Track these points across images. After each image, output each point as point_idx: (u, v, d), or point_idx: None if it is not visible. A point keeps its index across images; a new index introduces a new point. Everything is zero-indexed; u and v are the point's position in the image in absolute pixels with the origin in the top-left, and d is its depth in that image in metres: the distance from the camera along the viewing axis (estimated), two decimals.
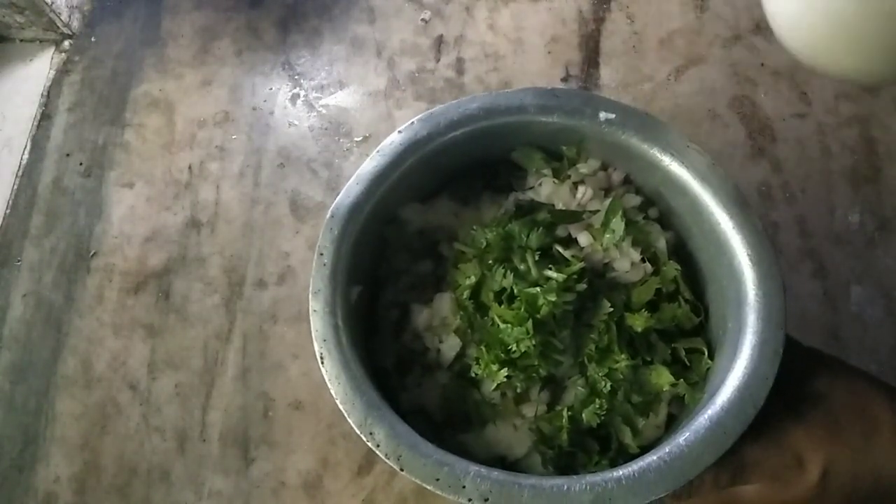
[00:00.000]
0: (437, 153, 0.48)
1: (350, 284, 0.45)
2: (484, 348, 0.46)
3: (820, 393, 0.42)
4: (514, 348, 0.45)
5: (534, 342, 0.45)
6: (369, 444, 0.39)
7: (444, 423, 0.47)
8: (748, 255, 0.45)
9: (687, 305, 0.49)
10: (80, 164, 0.70)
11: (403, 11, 0.73)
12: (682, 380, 0.47)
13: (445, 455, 0.40)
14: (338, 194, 0.46)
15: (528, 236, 0.48)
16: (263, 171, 0.67)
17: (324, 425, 0.57)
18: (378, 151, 0.46)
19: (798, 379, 0.42)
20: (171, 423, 0.58)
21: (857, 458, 0.39)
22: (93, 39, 0.76)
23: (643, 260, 0.49)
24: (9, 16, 0.73)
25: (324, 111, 0.70)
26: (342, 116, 0.69)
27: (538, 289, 0.46)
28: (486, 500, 0.38)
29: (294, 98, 0.71)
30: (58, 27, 0.75)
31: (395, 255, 0.51)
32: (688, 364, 0.48)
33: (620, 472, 0.39)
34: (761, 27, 0.68)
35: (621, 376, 0.46)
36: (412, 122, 0.47)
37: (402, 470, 0.39)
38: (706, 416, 0.40)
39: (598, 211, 0.50)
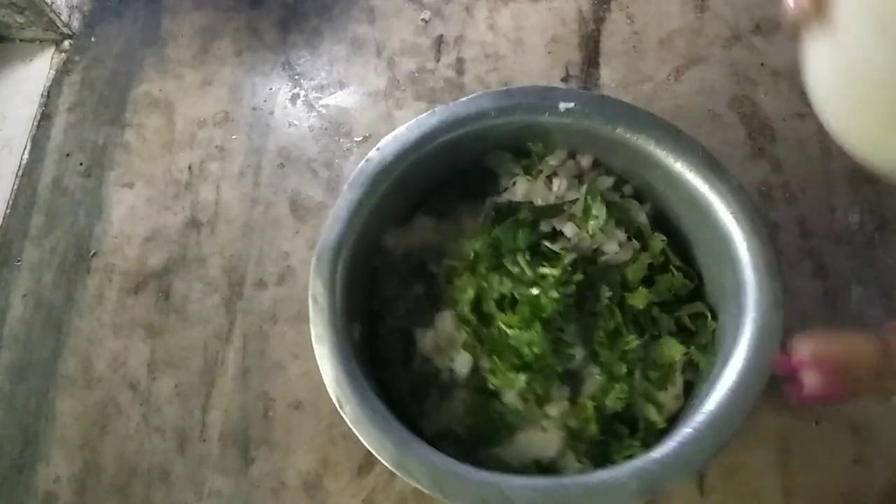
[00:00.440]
0: (406, 175, 0.48)
1: (350, 323, 0.45)
2: (497, 358, 0.47)
3: None
4: (527, 352, 0.45)
5: (545, 342, 0.45)
6: (409, 481, 0.39)
7: (472, 440, 0.47)
8: (731, 213, 0.45)
9: (679, 273, 0.50)
10: (80, 164, 0.70)
11: (403, 11, 0.73)
12: (691, 346, 0.48)
13: (486, 474, 0.40)
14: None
15: (514, 238, 0.49)
16: (263, 171, 0.67)
17: (324, 425, 0.57)
18: (349, 185, 0.46)
19: None
20: (171, 423, 0.58)
21: None
22: (93, 39, 0.76)
23: (629, 238, 0.51)
24: (9, 16, 0.73)
25: (324, 111, 0.69)
26: (342, 116, 0.69)
27: (538, 289, 0.46)
28: None
29: (294, 98, 0.71)
30: (58, 27, 0.75)
31: (387, 284, 0.51)
32: (693, 329, 0.49)
33: (658, 453, 0.40)
34: (761, 27, 0.68)
35: (634, 356, 0.47)
36: (377, 149, 0.47)
37: (448, 500, 0.39)
38: (727, 378, 0.41)
39: (576, 199, 0.50)
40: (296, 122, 0.69)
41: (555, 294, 0.46)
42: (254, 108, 0.70)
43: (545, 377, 0.46)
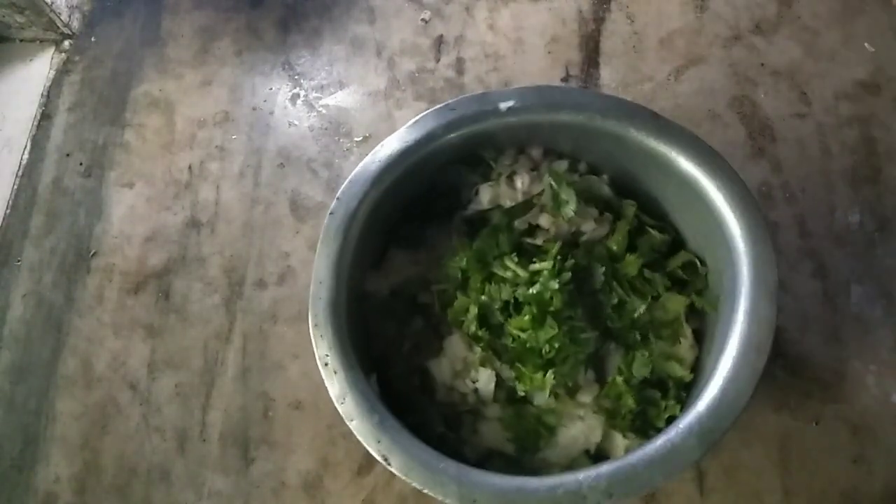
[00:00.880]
0: (372, 215, 0.48)
1: (367, 377, 0.44)
2: (519, 364, 0.47)
3: None
4: (547, 349, 0.45)
5: (561, 334, 0.45)
6: None
7: (518, 452, 0.47)
8: (687, 156, 0.46)
9: (655, 231, 0.51)
10: (80, 164, 0.70)
11: (403, 11, 0.73)
12: (691, 295, 0.49)
13: (550, 479, 0.39)
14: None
15: (497, 245, 0.49)
16: (263, 171, 0.67)
17: (324, 425, 0.57)
18: (322, 241, 0.46)
19: None
20: (171, 423, 0.58)
21: None
22: (93, 39, 0.76)
23: (601, 213, 0.51)
24: (9, 16, 0.73)
25: (324, 111, 0.70)
26: (342, 116, 0.69)
27: (538, 285, 0.46)
28: (612, 495, 0.38)
29: (294, 98, 0.71)
30: (58, 27, 0.75)
31: (384, 327, 0.51)
32: (686, 279, 0.50)
33: (703, 404, 0.40)
34: (761, 27, 0.68)
35: (643, 320, 0.48)
36: (337, 199, 0.47)
37: None
38: (737, 332, 0.42)
39: (542, 191, 0.51)
40: (296, 122, 0.69)
41: (554, 285, 0.46)
42: (254, 108, 0.70)
43: (570, 368, 0.46)
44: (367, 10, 0.74)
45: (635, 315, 0.48)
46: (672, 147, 0.47)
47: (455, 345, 0.49)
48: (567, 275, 0.47)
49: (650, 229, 0.51)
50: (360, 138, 0.68)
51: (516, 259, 0.48)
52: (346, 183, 0.47)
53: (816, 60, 0.66)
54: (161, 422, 0.59)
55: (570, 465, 0.46)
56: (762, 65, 0.66)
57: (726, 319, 0.44)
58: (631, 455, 0.39)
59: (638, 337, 0.48)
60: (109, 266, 0.65)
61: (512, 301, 0.47)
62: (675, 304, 0.49)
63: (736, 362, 0.41)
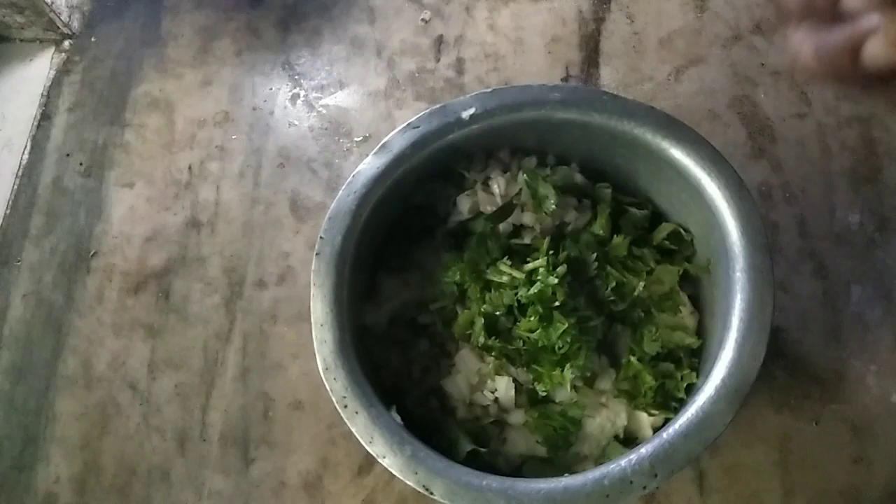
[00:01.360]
0: (357, 249, 0.47)
1: (389, 412, 0.43)
2: (535, 365, 0.47)
3: None
4: (560, 345, 0.45)
5: (571, 326, 0.45)
6: None
7: (551, 451, 0.47)
8: (652, 129, 0.47)
9: (634, 208, 0.52)
10: (80, 164, 0.70)
11: (403, 11, 0.73)
12: (683, 263, 0.50)
13: (594, 472, 0.39)
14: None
15: (487, 252, 0.49)
16: (263, 171, 0.67)
17: (324, 425, 0.57)
18: (316, 284, 0.45)
19: None
20: (171, 423, 0.58)
21: None
22: (93, 39, 0.76)
23: (579, 200, 0.52)
24: (9, 16, 0.73)
25: (324, 111, 0.70)
26: (342, 116, 0.69)
27: (537, 284, 0.46)
28: (656, 475, 0.38)
29: (294, 98, 0.71)
30: (58, 27, 0.75)
31: (390, 357, 0.50)
32: (674, 248, 0.51)
33: (716, 381, 0.40)
34: (761, 27, 0.68)
35: (643, 296, 0.49)
36: (321, 237, 0.46)
37: None
38: (739, 290, 0.42)
39: (519, 190, 0.51)
40: (296, 122, 0.69)
41: (553, 280, 0.46)
42: (254, 108, 0.70)
43: (585, 358, 0.46)
44: (367, 10, 0.74)
45: (635, 293, 0.48)
46: (636, 123, 0.47)
47: (466, 359, 0.49)
48: (563, 267, 0.47)
49: (629, 207, 0.52)
50: (360, 138, 0.68)
51: (509, 262, 0.48)
52: (325, 220, 0.47)
53: None
54: (161, 422, 0.59)
55: (603, 454, 0.47)
56: (762, 65, 0.66)
57: (723, 279, 0.44)
58: (666, 432, 0.40)
59: (641, 314, 0.49)
60: (109, 266, 0.65)
61: (515, 304, 0.47)
62: (669, 274, 0.50)
63: (744, 320, 0.41)
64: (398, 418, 0.43)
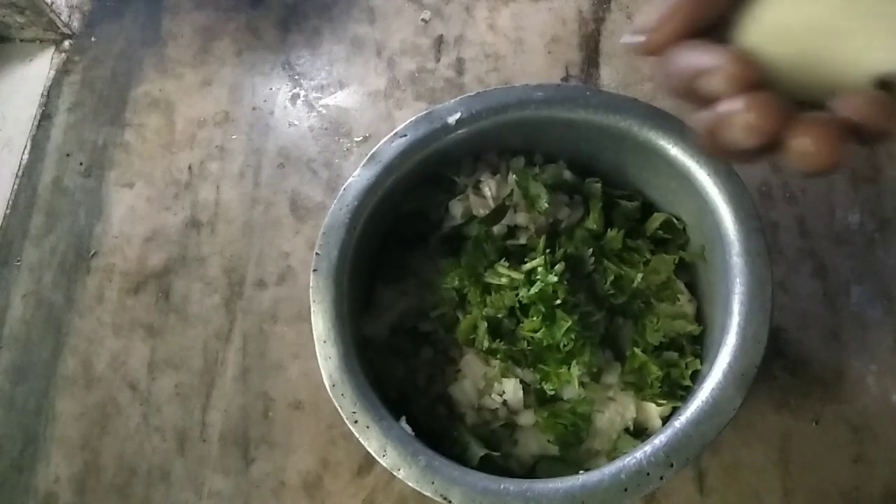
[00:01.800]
0: (353, 261, 0.47)
1: (398, 421, 0.43)
2: (542, 365, 0.47)
3: None
4: (565, 343, 0.45)
5: (574, 323, 0.45)
6: None
7: (562, 449, 0.47)
8: (638, 121, 0.47)
9: (625, 200, 0.52)
10: (80, 164, 0.70)
11: (403, 11, 0.73)
12: (677, 251, 0.50)
13: (609, 466, 0.39)
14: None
15: (484, 255, 0.49)
16: (263, 171, 0.67)
17: (324, 425, 0.57)
18: (315, 301, 0.45)
19: None
20: (171, 423, 0.58)
21: None
22: (93, 39, 0.76)
23: (571, 197, 0.52)
24: (9, 16, 0.73)
25: (324, 111, 0.70)
26: (342, 116, 0.69)
27: (537, 284, 0.46)
28: (672, 465, 0.38)
29: (294, 98, 0.71)
30: (58, 27, 0.75)
31: (394, 368, 0.50)
32: (668, 237, 0.51)
33: (722, 366, 0.41)
34: None
35: (642, 288, 0.49)
36: (317, 254, 0.46)
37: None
38: (737, 274, 0.42)
39: (511, 191, 0.51)
40: (296, 122, 0.69)
41: (553, 278, 0.46)
42: (254, 108, 0.70)
43: (590, 354, 0.46)
44: (367, 10, 0.74)
45: (633, 285, 0.48)
46: (621, 116, 0.47)
47: (472, 364, 0.49)
48: (561, 265, 0.47)
49: (620, 200, 0.52)
50: (360, 138, 0.68)
51: (507, 264, 0.48)
52: (320, 236, 0.46)
53: None
54: (161, 422, 0.59)
55: (615, 448, 0.47)
56: None
57: (720, 265, 0.44)
58: (678, 420, 0.40)
59: (641, 305, 0.49)
60: (109, 266, 0.65)
61: (516, 305, 0.48)
62: (665, 264, 0.50)
63: (745, 303, 0.41)
64: (409, 429, 0.43)
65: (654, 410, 0.47)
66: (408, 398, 0.50)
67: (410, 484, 0.40)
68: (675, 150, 0.46)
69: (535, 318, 0.46)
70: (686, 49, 0.29)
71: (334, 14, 0.74)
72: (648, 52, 0.30)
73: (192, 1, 0.77)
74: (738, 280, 0.42)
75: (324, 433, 0.57)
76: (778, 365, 0.55)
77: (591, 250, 0.49)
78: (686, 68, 0.28)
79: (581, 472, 0.40)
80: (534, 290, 0.46)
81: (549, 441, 0.47)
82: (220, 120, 0.70)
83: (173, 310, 0.62)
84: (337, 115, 0.69)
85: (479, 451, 0.46)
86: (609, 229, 0.50)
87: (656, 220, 0.51)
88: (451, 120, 0.48)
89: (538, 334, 0.46)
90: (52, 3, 0.73)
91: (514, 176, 0.51)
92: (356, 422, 0.42)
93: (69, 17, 0.76)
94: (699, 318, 0.50)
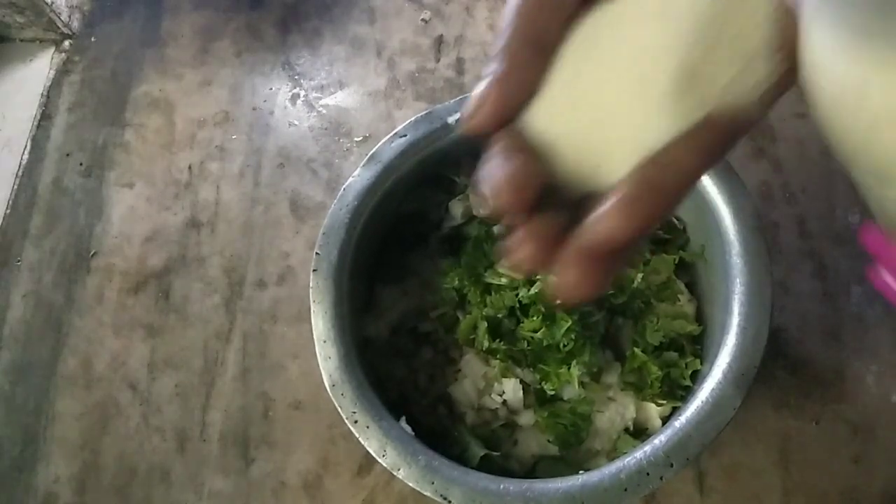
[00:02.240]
0: (353, 262, 0.47)
1: (398, 421, 0.43)
2: (542, 365, 0.47)
3: None
4: (565, 343, 0.45)
5: (574, 323, 0.45)
6: None
7: (562, 449, 0.47)
8: None
9: None
10: (80, 164, 0.70)
11: (403, 11, 0.73)
12: (677, 251, 0.50)
13: (609, 466, 0.39)
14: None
15: (484, 255, 0.49)
16: (263, 171, 0.67)
17: (324, 425, 0.57)
18: (313, 300, 0.45)
19: None
20: (171, 423, 0.58)
21: None
22: (93, 39, 0.76)
23: None
24: (9, 16, 0.73)
25: (324, 111, 0.70)
26: (342, 116, 0.69)
27: (538, 283, 0.46)
28: (672, 464, 0.38)
29: (294, 98, 0.71)
30: (58, 27, 0.75)
31: (394, 368, 0.50)
32: (667, 237, 0.51)
33: (723, 366, 0.41)
34: None
35: (642, 288, 0.48)
36: (317, 254, 0.46)
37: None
38: (737, 274, 0.42)
39: None
40: (296, 122, 0.69)
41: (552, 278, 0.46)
42: (254, 108, 0.70)
43: (590, 354, 0.46)
44: (367, 10, 0.74)
45: (633, 285, 0.48)
46: None
47: (472, 364, 0.49)
48: None
49: None
50: (360, 138, 0.68)
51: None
52: (320, 236, 0.47)
53: None
54: (161, 422, 0.59)
55: (615, 448, 0.47)
56: None
57: (720, 265, 0.44)
58: (678, 420, 0.40)
59: (641, 305, 0.49)
60: (109, 266, 0.65)
61: (516, 305, 0.48)
62: (665, 264, 0.50)
63: (745, 303, 0.41)
64: (409, 429, 0.43)
65: (654, 411, 0.47)
66: (408, 398, 0.50)
67: (410, 484, 0.40)
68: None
69: (535, 318, 0.46)
70: (490, 155, 0.26)
71: (334, 14, 0.74)
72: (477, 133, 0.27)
73: (192, 1, 0.77)
74: (738, 280, 0.42)
75: (324, 433, 0.57)
76: (778, 365, 0.55)
77: None
78: (479, 189, 0.26)
79: (581, 472, 0.40)
80: (534, 289, 0.46)
81: (549, 441, 0.47)
82: (220, 120, 0.70)
83: (173, 310, 0.62)
84: (337, 115, 0.69)
85: (479, 451, 0.46)
86: None
87: None
88: (451, 120, 0.48)
89: (538, 334, 0.46)
90: (52, 3, 0.73)
91: None
92: (356, 422, 0.42)
93: (69, 17, 0.76)
94: (699, 318, 0.50)
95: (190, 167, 0.68)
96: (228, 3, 0.76)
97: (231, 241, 0.64)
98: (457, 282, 0.49)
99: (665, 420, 0.47)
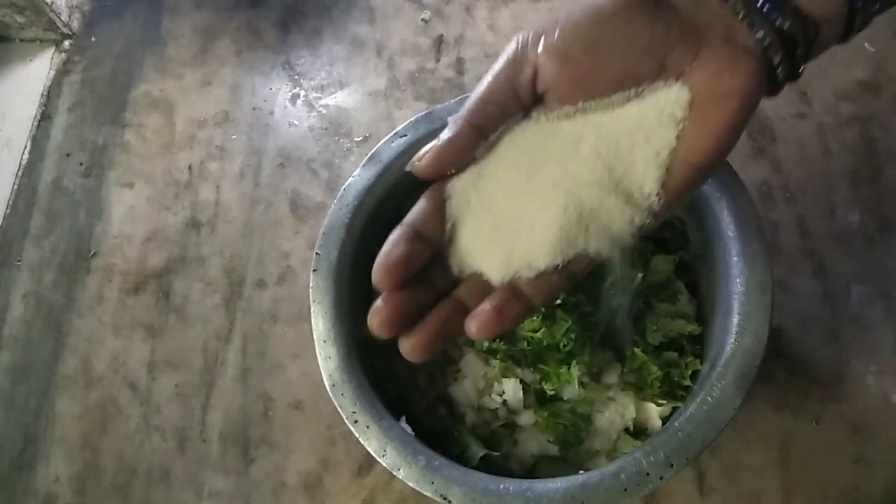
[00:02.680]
0: (353, 262, 0.47)
1: (398, 422, 0.43)
2: (542, 365, 0.47)
3: None
4: (565, 343, 0.45)
5: (574, 322, 0.45)
6: None
7: (562, 449, 0.47)
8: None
9: None
10: (80, 164, 0.70)
11: (403, 11, 0.73)
12: (677, 251, 0.50)
13: (609, 466, 0.39)
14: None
15: None
16: (263, 171, 0.67)
17: (324, 425, 0.57)
18: (313, 300, 0.45)
19: None
20: (171, 423, 0.58)
21: None
22: (93, 39, 0.76)
23: None
24: (9, 16, 0.73)
25: (324, 111, 0.70)
26: (342, 116, 0.69)
27: None
28: (672, 465, 0.38)
29: (294, 98, 0.71)
30: (58, 27, 0.75)
31: (394, 368, 0.50)
32: (667, 237, 0.51)
33: (723, 366, 0.41)
34: None
35: (642, 287, 0.48)
36: (317, 254, 0.46)
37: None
38: (737, 274, 0.42)
39: None
40: (296, 122, 0.69)
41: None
42: (254, 108, 0.70)
43: (590, 353, 0.46)
44: (367, 10, 0.74)
45: (634, 286, 0.48)
46: None
47: (472, 364, 0.49)
48: None
49: None
50: (360, 138, 0.68)
51: None
52: (320, 236, 0.46)
53: (816, 60, 0.66)
54: (161, 422, 0.59)
55: (615, 448, 0.47)
56: None
57: (720, 265, 0.44)
58: (678, 421, 0.39)
59: (643, 304, 0.49)
60: (109, 266, 0.65)
61: None
62: (665, 264, 0.50)
63: (745, 303, 0.41)
64: (409, 429, 0.43)
65: (654, 411, 0.47)
66: (408, 399, 0.49)
67: (410, 484, 0.40)
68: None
69: (535, 318, 0.46)
70: (393, 238, 0.35)
71: (334, 14, 0.74)
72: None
73: (192, 1, 0.77)
74: (738, 280, 0.42)
75: (324, 433, 0.57)
76: (778, 365, 0.55)
77: None
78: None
79: (581, 472, 0.40)
80: None
81: (549, 441, 0.47)
82: (220, 120, 0.70)
83: (173, 310, 0.62)
84: (337, 115, 0.69)
85: (479, 451, 0.46)
86: None
87: None
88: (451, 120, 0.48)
89: (538, 334, 0.46)
90: (52, 3, 0.73)
91: None
92: (356, 422, 0.42)
93: (69, 17, 0.76)
94: (699, 318, 0.50)
95: (190, 167, 0.68)
96: (228, 2, 0.76)
97: (231, 241, 0.64)
98: None
99: (665, 420, 0.47)
